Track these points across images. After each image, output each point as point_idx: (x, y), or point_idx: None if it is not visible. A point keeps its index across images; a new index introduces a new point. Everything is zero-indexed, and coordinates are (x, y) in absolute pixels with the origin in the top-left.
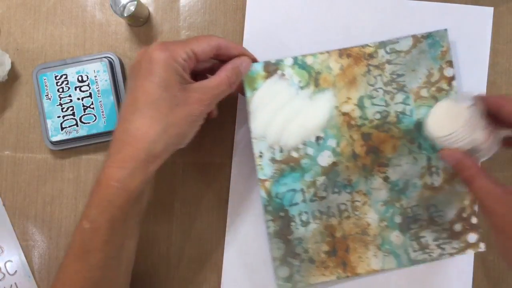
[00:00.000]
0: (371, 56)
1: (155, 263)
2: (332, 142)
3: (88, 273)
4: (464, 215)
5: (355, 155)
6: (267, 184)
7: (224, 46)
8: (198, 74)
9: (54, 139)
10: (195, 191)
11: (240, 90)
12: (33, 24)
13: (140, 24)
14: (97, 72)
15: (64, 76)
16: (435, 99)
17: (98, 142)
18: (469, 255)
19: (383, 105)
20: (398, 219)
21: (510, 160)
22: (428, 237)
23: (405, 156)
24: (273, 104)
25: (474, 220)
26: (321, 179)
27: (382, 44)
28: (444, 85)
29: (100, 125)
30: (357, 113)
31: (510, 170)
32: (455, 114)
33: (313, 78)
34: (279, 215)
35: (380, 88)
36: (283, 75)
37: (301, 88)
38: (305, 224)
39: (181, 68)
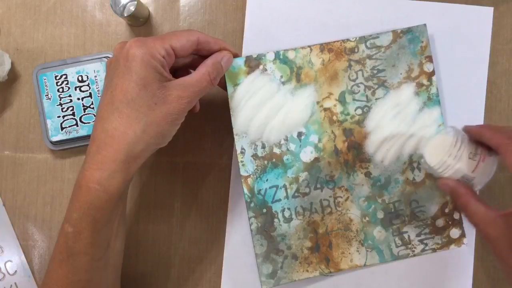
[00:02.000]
0: (352, 51)
1: (155, 263)
2: (314, 138)
3: (74, 276)
4: (447, 210)
5: (337, 150)
6: (249, 180)
7: (204, 41)
8: (178, 70)
9: (54, 139)
10: (195, 191)
11: (222, 85)
12: (33, 24)
13: (140, 24)
14: (97, 72)
15: (64, 76)
16: (417, 95)
17: None
18: (469, 255)
19: (364, 101)
20: (380, 215)
21: None
22: (410, 232)
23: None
24: (254, 100)
25: (456, 215)
26: (303, 175)
27: (363, 39)
28: (424, 81)
29: None
30: (338, 108)
31: None
32: (443, 145)
33: (295, 73)
34: (262, 212)
35: (361, 83)
36: (265, 70)
37: (283, 83)
38: (287, 220)
39: (160, 65)
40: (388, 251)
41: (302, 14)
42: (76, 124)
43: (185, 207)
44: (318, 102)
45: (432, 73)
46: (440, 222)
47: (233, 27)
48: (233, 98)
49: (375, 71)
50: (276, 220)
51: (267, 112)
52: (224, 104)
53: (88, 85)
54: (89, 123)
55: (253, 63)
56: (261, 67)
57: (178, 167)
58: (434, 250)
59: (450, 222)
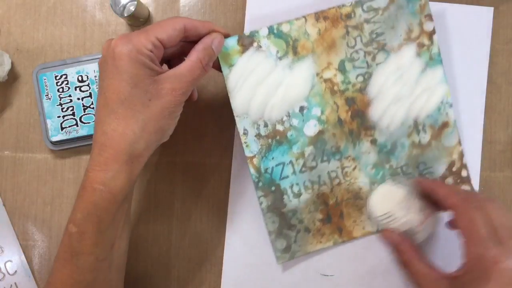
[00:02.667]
0: (348, 16)
1: (155, 263)
2: (316, 111)
3: (79, 276)
4: (454, 169)
5: (341, 121)
6: (255, 160)
7: (191, 27)
8: (171, 59)
9: (54, 139)
10: (195, 191)
11: (217, 67)
12: (33, 24)
13: (140, 24)
14: (97, 72)
15: (64, 76)
16: (419, 56)
17: None
18: None
19: (364, 67)
20: (389, 178)
21: (510, 160)
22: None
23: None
24: (252, 79)
25: (464, 173)
26: (309, 149)
27: (359, 3)
28: (425, 40)
29: None
30: (339, 78)
31: (510, 170)
32: (392, 196)
33: (291, 47)
34: (271, 190)
35: (361, 49)
36: (259, 47)
37: (280, 58)
38: (297, 195)
39: (148, 60)
40: None
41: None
42: (76, 124)
43: (185, 207)
44: (317, 74)
45: (433, 31)
46: (449, 181)
47: (233, 27)
48: (229, 79)
49: (374, 35)
50: (285, 196)
51: (266, 90)
52: (224, 103)
53: (88, 85)
54: (89, 123)
55: (247, 41)
56: (255, 44)
57: (178, 167)
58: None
59: (458, 180)
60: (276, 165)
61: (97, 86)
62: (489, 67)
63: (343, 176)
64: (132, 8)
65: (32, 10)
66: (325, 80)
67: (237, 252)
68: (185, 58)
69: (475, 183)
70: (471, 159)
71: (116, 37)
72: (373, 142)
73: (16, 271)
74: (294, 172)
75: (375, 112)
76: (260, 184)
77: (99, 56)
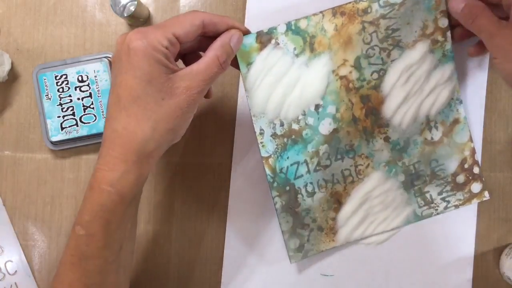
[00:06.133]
0: (365, 11)
1: (155, 263)
2: (331, 109)
3: (88, 280)
4: (466, 166)
5: (355, 119)
6: (271, 160)
7: (209, 22)
8: (187, 55)
9: (54, 139)
10: (195, 191)
11: (235, 65)
12: (33, 24)
13: (140, 24)
14: (97, 72)
15: (64, 76)
16: (432, 52)
17: (98, 142)
18: (468, 267)
19: (379, 64)
20: (401, 178)
21: (510, 160)
22: (432, 191)
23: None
24: (269, 78)
25: (476, 170)
26: (323, 148)
27: None
28: (438, 37)
29: (100, 125)
30: (354, 75)
31: (510, 170)
32: None
33: (308, 43)
34: (285, 190)
35: (376, 45)
36: (277, 44)
37: (297, 55)
38: (311, 194)
39: (164, 56)
40: (411, 212)
41: (303, 15)
42: (76, 124)
43: (185, 207)
44: (333, 71)
45: (447, 28)
46: (460, 178)
47: None
48: (247, 79)
49: (389, 31)
50: (299, 196)
51: (283, 89)
52: (224, 104)
53: (88, 85)
54: (89, 123)
55: (265, 38)
56: (273, 41)
57: (178, 167)
58: (457, 206)
59: (470, 177)
60: (291, 165)
61: (97, 87)
62: (489, 67)
63: (356, 174)
64: (132, 8)
65: (32, 10)
66: (341, 78)
67: (237, 252)
68: (201, 54)
69: None
70: None
71: (116, 37)
72: (386, 139)
73: (16, 271)
74: (308, 171)
75: (388, 110)
76: (275, 184)
77: (99, 56)
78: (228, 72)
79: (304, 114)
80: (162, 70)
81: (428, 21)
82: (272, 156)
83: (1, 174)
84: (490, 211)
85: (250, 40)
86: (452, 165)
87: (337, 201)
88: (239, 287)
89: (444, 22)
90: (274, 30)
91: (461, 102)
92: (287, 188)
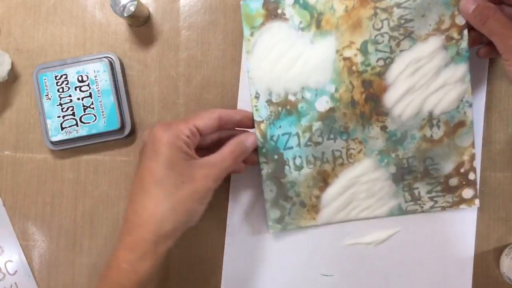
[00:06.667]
0: None
1: None
2: (330, 88)
3: None
4: (462, 170)
5: (354, 102)
6: (263, 126)
7: (225, 116)
8: (205, 148)
9: (54, 139)
10: None
11: (252, 162)
12: (33, 24)
13: (140, 24)
14: (97, 72)
15: (64, 76)
16: (445, 49)
17: (98, 142)
18: (469, 268)
19: (387, 52)
20: (392, 169)
21: (510, 160)
22: (421, 188)
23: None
24: (273, 51)
25: (472, 176)
26: (317, 124)
27: None
28: (454, 34)
29: (100, 125)
30: (359, 58)
31: (510, 170)
32: None
33: (315, 19)
34: (273, 158)
35: (386, 33)
36: (283, 14)
37: (302, 29)
38: (298, 168)
39: (185, 145)
40: (396, 205)
41: None
42: (76, 124)
43: None
44: (338, 51)
45: (464, 26)
46: (453, 181)
47: (233, 27)
48: (249, 42)
49: (402, 21)
50: (287, 167)
51: (285, 62)
52: (224, 104)
53: (88, 85)
54: (89, 123)
55: (271, 6)
56: (279, 11)
57: None
58: (443, 208)
59: (464, 182)
60: (282, 134)
61: (97, 87)
62: (489, 67)
63: (346, 157)
64: (132, 8)
65: (32, 10)
66: (344, 59)
67: (237, 252)
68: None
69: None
70: None
71: (116, 36)
72: (383, 128)
73: (16, 271)
74: (299, 145)
75: (390, 99)
76: (264, 150)
77: (99, 56)
78: (228, 72)
79: (302, 88)
80: (183, 156)
81: (444, 16)
82: (265, 121)
83: (1, 174)
84: (490, 211)
85: (256, 5)
86: (447, 167)
87: (323, 180)
88: (239, 287)
89: (461, 20)
90: (282, 1)
91: (470, 105)
92: (275, 156)
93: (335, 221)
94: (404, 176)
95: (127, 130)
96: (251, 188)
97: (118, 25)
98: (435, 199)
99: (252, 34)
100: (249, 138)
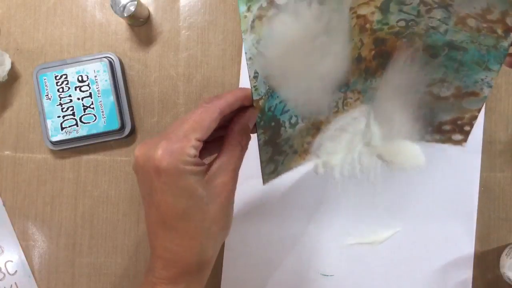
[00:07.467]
0: None
1: None
2: None
3: None
4: (459, 122)
5: (360, 58)
6: (261, 102)
7: (226, 108)
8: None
9: (54, 139)
10: None
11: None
12: (33, 24)
13: (140, 24)
14: (97, 72)
15: (64, 76)
16: (482, 35)
17: (98, 142)
18: (468, 270)
19: (413, 15)
20: None
21: (510, 160)
22: (411, 128)
23: (419, 65)
24: (279, 48)
25: (467, 128)
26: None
27: None
28: (498, 30)
29: (100, 125)
30: (376, 16)
31: (510, 170)
32: None
33: None
34: (270, 125)
35: None
36: None
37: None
38: (293, 125)
39: (195, 165)
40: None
41: None
42: (76, 124)
43: None
44: (352, 8)
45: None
46: (446, 127)
47: (233, 27)
48: (246, 19)
49: None
50: (282, 128)
51: (293, 55)
52: None
53: (88, 85)
54: (89, 123)
55: None
56: None
57: None
58: (428, 141)
59: (457, 130)
60: (280, 102)
61: (97, 87)
62: None
63: (342, 106)
64: (132, 8)
65: (32, 10)
66: (358, 16)
67: (237, 252)
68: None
69: (475, 183)
70: (471, 159)
71: (116, 36)
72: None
73: (16, 271)
74: (296, 106)
75: (402, 56)
76: (262, 123)
77: (99, 56)
78: (228, 72)
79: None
80: (198, 179)
81: (495, 8)
82: (263, 97)
83: (1, 174)
84: (490, 211)
85: None
86: (444, 116)
87: (316, 128)
88: (239, 287)
89: None
90: None
91: (490, 86)
92: (272, 124)
93: (321, 156)
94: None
95: (127, 130)
96: (251, 187)
97: (118, 25)
98: (422, 134)
99: (249, 9)
100: (250, 119)
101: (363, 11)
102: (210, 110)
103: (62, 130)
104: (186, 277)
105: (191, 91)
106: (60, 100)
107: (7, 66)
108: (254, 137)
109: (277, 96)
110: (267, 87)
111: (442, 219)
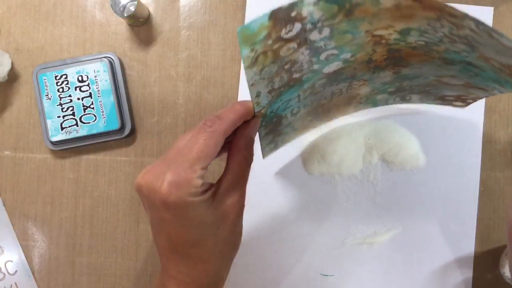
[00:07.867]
0: (452, 16)
1: (155, 264)
2: (346, 55)
3: None
4: (463, 97)
5: (370, 60)
6: (263, 110)
7: (230, 129)
8: None
9: (54, 139)
10: None
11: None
12: (33, 24)
13: (140, 24)
14: (97, 72)
15: (64, 76)
16: (503, 73)
17: (98, 142)
18: (469, 259)
19: (434, 41)
20: (391, 89)
21: (510, 160)
22: (414, 98)
23: (431, 65)
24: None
25: (470, 101)
26: (320, 82)
27: (475, 21)
28: None
29: (100, 125)
30: (393, 36)
31: (510, 170)
32: None
33: (344, 10)
34: (272, 121)
35: (442, 32)
36: (299, 15)
37: (321, 21)
38: (295, 114)
39: (201, 194)
40: (383, 104)
41: None
42: (76, 124)
43: None
44: (367, 31)
45: None
46: (449, 98)
47: (233, 27)
48: (249, 58)
49: (468, 37)
50: (284, 119)
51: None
52: (224, 104)
53: (88, 85)
54: (89, 123)
55: (283, 13)
56: (293, 13)
57: None
58: (428, 104)
59: (459, 100)
60: (282, 103)
61: (97, 87)
62: None
63: (346, 91)
64: (132, 8)
65: (32, 10)
66: (374, 36)
67: (236, 254)
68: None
69: (475, 183)
70: (471, 159)
71: (116, 36)
72: (396, 72)
73: (16, 271)
74: (299, 101)
75: (416, 60)
76: (264, 123)
77: (99, 56)
78: (228, 72)
79: (311, 62)
80: (207, 206)
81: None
82: (265, 106)
83: (1, 174)
84: (490, 211)
85: (260, 22)
86: (448, 92)
87: (317, 110)
88: (239, 287)
89: None
90: (300, 3)
91: (502, 92)
92: (274, 119)
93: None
94: (400, 92)
95: (127, 130)
96: (251, 188)
97: (118, 25)
98: (424, 101)
99: (252, 50)
100: (254, 130)
101: (380, 32)
102: (215, 136)
103: (62, 130)
104: None
105: (191, 91)
106: (60, 100)
107: (7, 66)
108: None
109: (280, 100)
110: (270, 97)
111: (442, 219)
